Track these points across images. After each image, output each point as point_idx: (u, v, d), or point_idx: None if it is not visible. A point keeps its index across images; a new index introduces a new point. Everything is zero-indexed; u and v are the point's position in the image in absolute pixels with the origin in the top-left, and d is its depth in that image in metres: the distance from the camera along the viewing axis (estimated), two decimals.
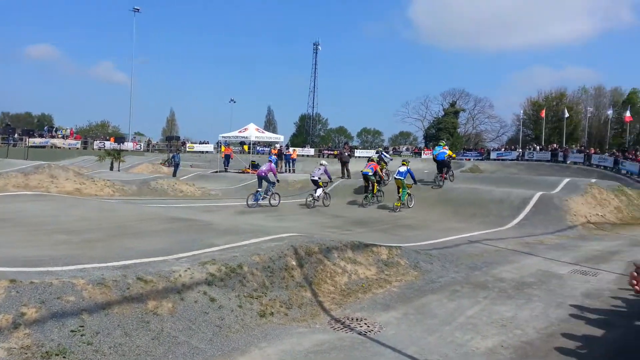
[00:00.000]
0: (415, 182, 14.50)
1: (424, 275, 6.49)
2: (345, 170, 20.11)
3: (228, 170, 26.77)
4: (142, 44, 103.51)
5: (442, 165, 16.69)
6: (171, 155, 28.89)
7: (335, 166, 35.80)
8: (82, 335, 3.52)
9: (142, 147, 49.24)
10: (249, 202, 13.66)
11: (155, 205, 12.68)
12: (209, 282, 4.65)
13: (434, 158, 17.34)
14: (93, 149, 44.14)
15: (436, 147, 18.18)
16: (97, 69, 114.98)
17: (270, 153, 28.28)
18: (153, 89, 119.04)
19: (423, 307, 5.22)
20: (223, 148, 29.83)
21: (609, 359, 4.01)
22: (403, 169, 14.12)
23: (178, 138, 47.20)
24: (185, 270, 4.69)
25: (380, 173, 16.18)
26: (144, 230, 7.25)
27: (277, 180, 14.46)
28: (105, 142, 44.57)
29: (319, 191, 14.81)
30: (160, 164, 31.70)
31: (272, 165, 14.63)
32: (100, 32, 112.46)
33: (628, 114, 40.81)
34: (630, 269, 1.32)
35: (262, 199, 13.85)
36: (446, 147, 17.50)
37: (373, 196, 14.99)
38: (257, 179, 14.43)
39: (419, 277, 6.38)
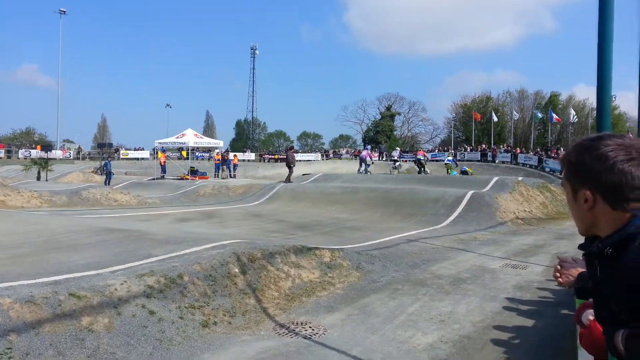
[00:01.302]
0: (456, 165, 24.88)
1: (366, 275, 6.60)
2: (288, 175, 20.06)
3: (165, 177, 25.94)
4: (70, 46, 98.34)
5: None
6: (103, 162, 27.55)
7: (274, 171, 35.55)
8: (9, 358, 3.26)
9: (71, 155, 46.75)
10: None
11: (87, 216, 12.04)
12: (148, 295, 4.47)
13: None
14: (18, 158, 41.36)
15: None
16: (19, 72, 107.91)
17: (213, 159, 27.77)
18: (83, 93, 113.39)
19: (366, 307, 5.30)
20: (160, 154, 28.89)
21: (540, 347, 4.27)
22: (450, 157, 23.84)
23: (111, 145, 45.07)
24: (122, 284, 4.48)
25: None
26: (76, 243, 6.86)
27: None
28: (31, 150, 41.82)
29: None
30: (92, 172, 30.23)
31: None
32: (24, 35, 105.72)
33: (555, 116, 43.59)
34: (555, 262, 1.42)
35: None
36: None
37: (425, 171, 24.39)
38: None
39: (361, 278, 6.47)
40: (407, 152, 49.93)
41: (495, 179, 16.80)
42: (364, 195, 15.72)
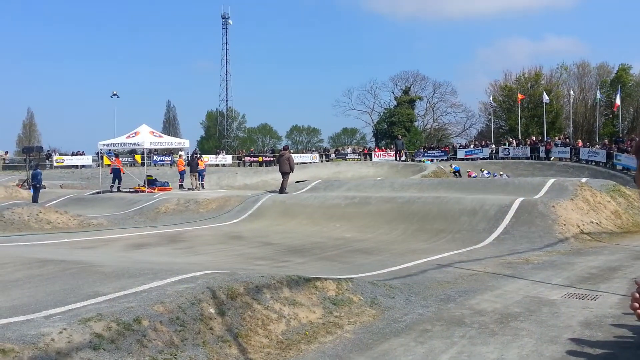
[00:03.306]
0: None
1: (385, 313, 6.58)
2: (282, 182, 20.03)
3: (119, 189, 25.95)
4: None
5: None
6: (31, 172, 27.55)
7: (259, 178, 35.68)
8: None
9: None
10: None
11: (12, 244, 12.01)
12: (95, 346, 4.45)
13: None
14: None
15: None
16: None
17: (176, 164, 27.69)
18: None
19: (385, 356, 5.28)
20: (107, 160, 28.87)
21: None
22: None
23: (40, 149, 45.12)
24: (60, 332, 4.46)
25: None
26: None
27: None
28: None
29: None
30: (17, 185, 30.19)
31: None
32: None
33: (618, 99, 43.55)
34: (633, 288, 1.41)
35: None
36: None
37: None
38: None
39: (378, 317, 6.45)
40: (432, 149, 50.13)
41: (551, 181, 16.82)
42: (376, 207, 15.74)
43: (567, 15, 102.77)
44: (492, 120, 56.97)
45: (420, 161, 43.50)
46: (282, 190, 19.82)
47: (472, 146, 47.32)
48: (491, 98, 58.44)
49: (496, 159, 41.36)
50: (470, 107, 79.58)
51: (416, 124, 72.99)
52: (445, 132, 77.93)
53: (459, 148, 47.88)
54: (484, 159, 41.97)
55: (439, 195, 16.38)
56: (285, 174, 20.17)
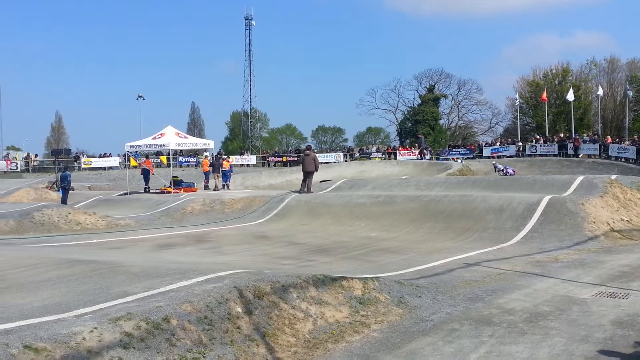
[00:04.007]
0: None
1: (412, 312, 6.56)
2: (307, 182, 20.07)
3: (148, 190, 26.26)
4: (6, 27, 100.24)
5: None
6: (60, 174, 28.02)
7: (283, 178, 35.81)
8: None
9: (19, 166, 47.57)
10: None
11: (43, 245, 12.24)
12: (125, 345, 4.51)
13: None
14: None
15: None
16: None
17: (201, 165, 27.86)
18: (29, 86, 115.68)
19: (414, 355, 5.26)
20: (133, 161, 29.25)
21: None
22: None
23: (69, 151, 45.89)
24: (91, 331, 4.53)
25: None
26: (30, 280, 6.97)
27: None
28: None
29: None
30: (47, 187, 30.72)
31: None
32: None
33: None
34: None
35: None
36: None
37: None
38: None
39: (405, 316, 6.43)
40: (458, 147, 49.79)
41: (580, 178, 16.59)
42: (402, 206, 15.69)
43: (597, 10, 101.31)
44: (518, 117, 56.30)
45: (446, 159, 43.21)
46: (308, 189, 19.85)
47: (498, 144, 46.84)
48: (517, 95, 57.75)
49: (523, 156, 40.91)
50: (496, 105, 78.85)
51: (441, 122, 72.62)
52: (471, 130, 77.34)
53: (484, 146, 47.42)
54: (510, 156, 41.53)
55: (464, 193, 16.26)
56: (310, 174, 20.18)
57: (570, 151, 38.24)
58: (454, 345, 5.47)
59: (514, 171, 32.04)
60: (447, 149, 50.20)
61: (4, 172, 43.78)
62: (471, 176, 28.55)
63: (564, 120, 55.58)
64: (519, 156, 41.04)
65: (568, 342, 5.47)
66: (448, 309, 6.75)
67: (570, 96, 46.52)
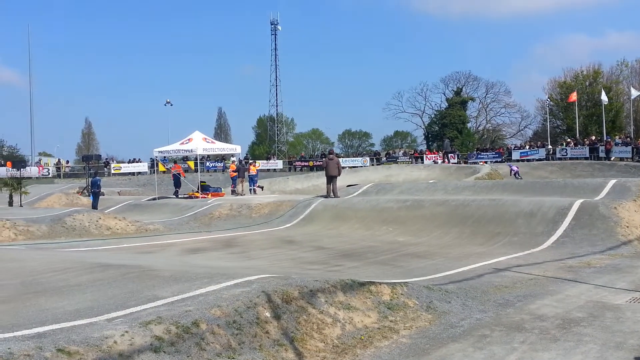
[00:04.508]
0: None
1: (441, 318, 6.51)
2: (333, 187, 20.07)
3: (178, 195, 26.55)
4: (39, 34, 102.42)
5: None
6: (90, 180, 28.51)
7: (310, 182, 35.85)
8: None
9: (50, 172, 48.51)
10: None
11: (74, 249, 12.45)
12: (156, 349, 4.56)
13: None
14: None
15: None
16: None
17: (228, 170, 28.09)
18: (59, 92, 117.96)
19: None
20: (162, 167, 29.61)
21: None
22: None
23: (99, 157, 46.68)
24: (122, 335, 4.59)
25: None
26: (62, 284, 7.08)
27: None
28: None
29: None
30: (77, 192, 31.29)
31: None
32: None
33: None
34: None
35: None
36: None
37: None
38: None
39: (434, 322, 6.39)
40: (486, 151, 49.30)
41: (612, 182, 16.28)
42: (430, 210, 15.60)
43: (630, 10, 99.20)
44: (548, 119, 55.53)
45: (474, 163, 42.80)
46: (334, 194, 19.83)
47: (527, 147, 46.24)
48: (547, 97, 56.97)
49: (553, 159, 40.36)
50: (526, 107, 77.78)
51: (469, 125, 72.02)
52: (499, 133, 76.55)
53: (513, 149, 46.87)
54: (540, 159, 41.02)
55: (494, 197, 16.09)
56: (334, 178, 20.18)
57: (602, 154, 37.66)
58: (485, 352, 5.41)
59: (517, 167, 33.34)
60: (475, 152, 49.73)
61: (37, 177, 44.64)
62: (500, 180, 28.25)
63: (595, 123, 54.59)
64: (549, 159, 40.51)
65: (602, 349, 5.37)
66: (478, 314, 6.68)
67: (604, 98, 45.65)
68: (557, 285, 8.22)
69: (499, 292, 7.74)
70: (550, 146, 43.38)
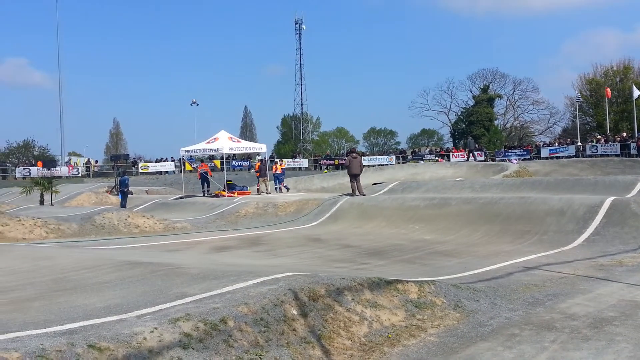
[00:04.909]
0: None
1: (469, 316, 6.46)
2: (357, 185, 20.07)
3: (206, 194, 26.76)
4: (65, 36, 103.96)
5: None
6: (119, 179, 28.92)
7: (335, 181, 35.84)
8: None
9: (80, 171, 49.32)
10: None
11: (104, 247, 12.64)
12: (184, 345, 4.60)
13: None
14: (15, 178, 44.19)
15: None
16: (3, 68, 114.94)
17: (254, 169, 28.25)
18: (87, 93, 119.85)
19: None
20: (188, 166, 29.87)
21: None
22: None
23: (127, 156, 47.29)
24: (152, 331, 4.64)
25: None
26: (93, 281, 7.20)
27: None
28: (30, 168, 44.59)
29: None
30: (106, 192, 31.73)
31: None
32: (5, 23, 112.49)
33: None
34: None
35: None
36: None
37: None
38: None
39: (462, 320, 6.34)
40: (514, 148, 48.74)
41: None
42: (457, 208, 15.48)
43: None
44: (577, 116, 54.63)
45: (502, 161, 42.32)
46: (360, 192, 19.83)
47: (556, 144, 45.56)
48: (577, 93, 56.04)
49: (583, 156, 39.70)
50: (554, 104, 76.72)
51: (496, 122, 71.25)
52: (527, 130, 75.60)
53: (542, 146, 46.23)
54: (569, 157, 40.37)
55: (522, 195, 15.90)
56: (357, 176, 20.21)
57: (634, 151, 36.97)
58: (514, 351, 5.35)
59: (516, 161, 33.74)
60: (502, 150, 49.18)
61: (67, 177, 45.44)
62: (529, 177, 27.87)
63: (626, 119, 53.56)
64: (578, 156, 39.85)
65: (635, 348, 5.26)
66: (507, 313, 6.61)
67: (635, 94, 44.70)
68: (588, 283, 8.09)
69: (529, 290, 7.65)
70: (580, 143, 42.70)
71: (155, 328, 4.70)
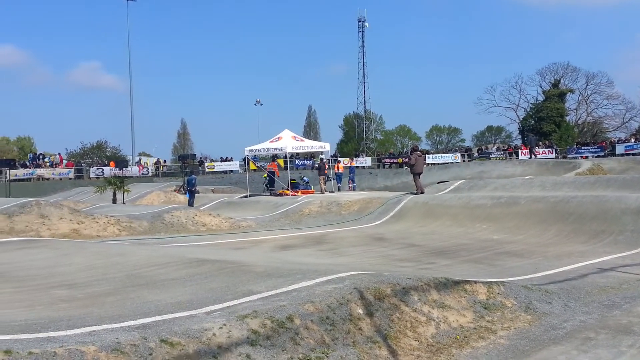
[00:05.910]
0: None
1: (541, 319, 6.29)
2: (420, 183, 19.91)
3: (272, 193, 27.12)
4: (135, 39, 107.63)
5: None
6: (186, 178, 29.70)
7: (399, 179, 35.55)
8: None
9: (149, 171, 50.89)
10: None
11: (173, 244, 13.00)
12: (252, 342, 4.67)
13: None
14: (89, 177, 46.04)
15: None
16: (77, 72, 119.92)
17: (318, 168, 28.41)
18: (157, 95, 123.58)
19: None
20: (252, 165, 30.34)
21: None
22: None
23: (194, 156, 48.53)
24: (220, 328, 4.74)
25: None
26: (163, 278, 7.43)
27: None
28: (103, 168, 46.39)
29: None
30: (175, 190, 32.65)
31: None
32: (77, 26, 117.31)
33: None
34: None
35: None
36: None
37: None
38: None
39: (533, 323, 6.18)
40: (587, 145, 46.97)
41: None
42: (526, 207, 15.05)
43: None
44: None
45: (574, 158, 40.88)
46: (422, 191, 19.66)
47: (632, 140, 43.55)
48: None
49: None
50: (630, 98, 73.22)
51: (567, 118, 68.83)
52: (601, 126, 72.64)
53: (617, 143, 44.31)
54: None
55: (596, 193, 15.30)
56: (420, 175, 20.08)
57: None
58: (590, 355, 5.16)
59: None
60: (574, 146, 47.46)
61: (137, 176, 47.02)
62: (603, 175, 26.79)
63: None
64: None
65: None
66: (582, 316, 6.40)
67: None
68: None
69: (604, 293, 7.38)
70: None
71: (224, 324, 4.80)
